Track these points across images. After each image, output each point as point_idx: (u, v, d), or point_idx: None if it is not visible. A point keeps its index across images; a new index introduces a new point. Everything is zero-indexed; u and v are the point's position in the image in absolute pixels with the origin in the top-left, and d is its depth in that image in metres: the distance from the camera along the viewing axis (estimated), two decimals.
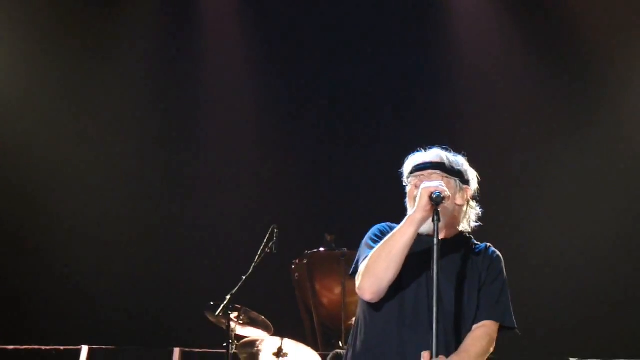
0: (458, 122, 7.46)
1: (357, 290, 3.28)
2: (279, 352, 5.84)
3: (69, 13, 7.77)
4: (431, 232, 3.20)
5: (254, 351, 6.04)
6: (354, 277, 3.33)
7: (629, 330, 7.05)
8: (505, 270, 3.42)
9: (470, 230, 3.47)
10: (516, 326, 3.36)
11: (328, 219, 7.58)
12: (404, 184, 3.47)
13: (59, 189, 7.76)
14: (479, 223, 3.47)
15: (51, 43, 7.71)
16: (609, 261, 7.18)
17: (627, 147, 7.29)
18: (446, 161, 3.40)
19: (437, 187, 3.19)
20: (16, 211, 7.75)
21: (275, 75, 7.98)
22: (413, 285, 3.29)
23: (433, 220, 3.17)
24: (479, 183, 3.49)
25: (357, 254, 3.40)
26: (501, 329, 3.34)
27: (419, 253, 3.28)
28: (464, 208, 3.42)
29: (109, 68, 7.86)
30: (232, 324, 5.91)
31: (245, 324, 6.01)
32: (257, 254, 6.11)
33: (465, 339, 3.27)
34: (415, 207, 3.20)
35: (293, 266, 6.63)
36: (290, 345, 5.95)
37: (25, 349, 7.22)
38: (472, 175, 3.47)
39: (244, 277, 6.02)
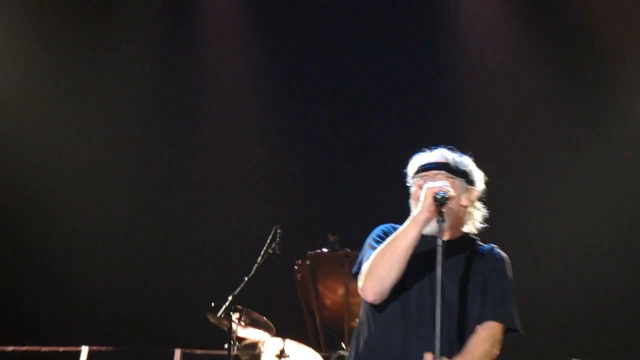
0: (464, 123, 7.46)
1: (359, 291, 3.30)
2: (281, 354, 5.86)
3: (68, 11, 7.79)
4: (435, 233, 3.22)
5: (255, 353, 6.06)
6: (357, 278, 3.34)
7: (635, 332, 7.07)
8: (512, 272, 3.43)
9: (475, 232, 3.48)
10: (520, 328, 3.37)
11: (331, 219, 7.59)
12: (409, 184, 3.48)
13: (58, 189, 7.78)
14: (485, 224, 3.49)
15: (50, 41, 7.73)
16: (617, 263, 7.19)
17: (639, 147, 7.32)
18: (451, 161, 3.42)
19: (442, 188, 3.20)
20: (15, 211, 7.77)
21: (278, 74, 7.99)
22: (416, 287, 3.31)
23: (437, 221, 3.18)
24: (485, 184, 3.50)
25: (360, 255, 3.41)
26: (506, 331, 3.35)
27: (422, 254, 3.29)
28: (469, 209, 3.43)
29: (109, 66, 7.87)
30: (234, 325, 5.92)
31: (247, 325, 6.03)
32: (259, 255, 6.14)
33: (469, 341, 3.29)
34: (419, 207, 3.22)
35: (296, 267, 6.64)
36: (293, 347, 5.97)
37: (25, 349, 7.25)
38: (478, 176, 3.48)
39: (246, 278, 6.03)
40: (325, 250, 6.57)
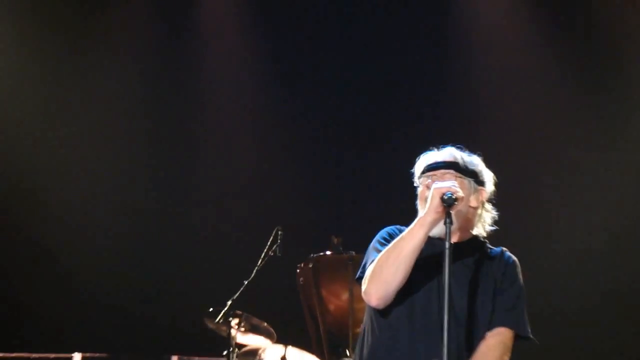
0: (473, 121, 7.46)
1: (362, 295, 3.29)
2: None
3: (63, 6, 7.80)
4: (443, 235, 3.21)
5: None
6: (361, 282, 3.34)
7: None
8: (522, 277, 3.43)
9: (485, 235, 3.48)
10: (531, 335, 3.37)
11: (335, 220, 7.59)
12: (415, 184, 3.48)
13: (49, 193, 7.78)
14: (495, 227, 3.49)
15: (42, 37, 7.75)
16: (632, 267, 7.18)
17: None
18: (460, 161, 3.41)
19: (450, 188, 3.19)
20: (6, 214, 7.78)
21: (281, 74, 7.99)
22: (423, 291, 3.30)
23: (445, 223, 3.17)
24: (496, 185, 3.49)
25: (364, 258, 3.41)
26: (516, 338, 3.35)
27: (429, 257, 3.29)
28: (479, 211, 3.43)
29: (103, 63, 7.88)
30: (233, 331, 5.94)
31: (246, 331, 6.04)
32: (260, 258, 6.14)
33: (478, 348, 3.29)
34: (426, 208, 3.21)
35: (298, 270, 6.63)
36: (295, 354, 5.98)
37: (15, 356, 7.26)
38: (488, 176, 3.47)
39: (246, 282, 6.05)
40: (328, 252, 6.57)
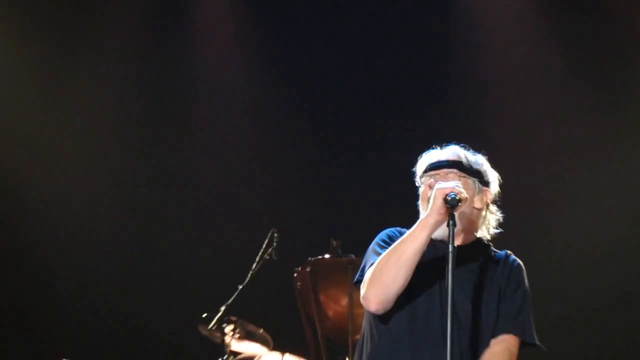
0: (478, 120, 7.47)
1: (361, 300, 3.30)
2: None
3: (54, 5, 7.81)
4: (445, 238, 3.20)
5: None
6: (359, 286, 3.34)
7: None
8: (527, 281, 3.43)
9: (489, 237, 3.48)
10: (537, 342, 3.37)
11: (334, 222, 7.59)
12: (417, 184, 3.48)
13: (35, 194, 7.77)
14: (500, 229, 3.49)
15: (34, 35, 7.75)
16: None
17: None
18: (464, 160, 3.41)
19: (453, 188, 3.18)
20: None
21: (277, 72, 7.99)
22: (424, 296, 3.30)
23: (448, 225, 3.16)
24: (501, 186, 3.49)
25: (363, 261, 3.41)
26: (522, 345, 3.36)
27: (431, 260, 3.30)
28: (483, 212, 3.43)
29: (97, 61, 7.87)
30: (227, 338, 5.95)
31: (241, 338, 6.05)
32: (255, 261, 6.15)
33: (482, 355, 3.29)
34: (429, 209, 3.20)
35: (295, 274, 6.64)
36: None
37: None
38: (493, 176, 3.47)
39: (241, 287, 6.06)
40: (327, 256, 6.58)
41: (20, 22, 7.75)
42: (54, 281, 7.72)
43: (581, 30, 7.45)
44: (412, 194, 3.49)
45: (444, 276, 3.15)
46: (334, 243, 6.53)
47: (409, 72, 7.78)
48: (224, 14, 8.06)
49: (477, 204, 3.39)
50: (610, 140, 7.33)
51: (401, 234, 3.36)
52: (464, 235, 3.39)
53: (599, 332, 7.13)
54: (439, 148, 3.48)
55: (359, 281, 3.36)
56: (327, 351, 6.54)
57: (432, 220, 3.19)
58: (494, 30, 7.68)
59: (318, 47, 7.94)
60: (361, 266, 3.41)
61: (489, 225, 3.46)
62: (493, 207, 3.47)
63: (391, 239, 3.36)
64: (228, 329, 5.96)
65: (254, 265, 6.12)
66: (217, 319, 5.90)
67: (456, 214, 3.19)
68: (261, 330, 6.11)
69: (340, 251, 6.52)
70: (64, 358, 6.57)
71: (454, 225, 3.16)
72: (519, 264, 3.44)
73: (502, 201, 3.49)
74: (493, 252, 3.46)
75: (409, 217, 3.38)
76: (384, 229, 3.50)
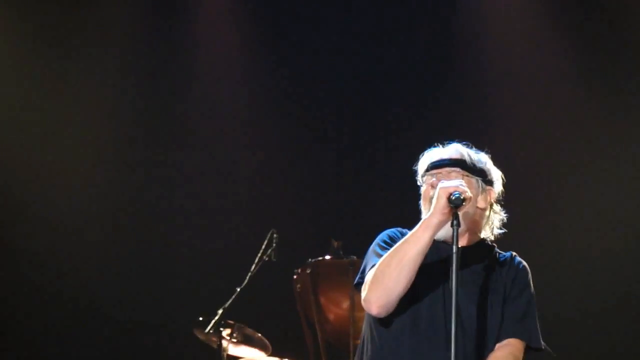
0: (480, 118, 7.48)
1: (362, 303, 3.29)
2: None
3: None
4: (449, 239, 3.23)
5: None
6: (359, 288, 3.34)
7: None
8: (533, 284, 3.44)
9: (493, 238, 3.49)
10: (543, 346, 3.38)
11: (334, 222, 7.61)
12: (419, 183, 3.48)
13: (31, 192, 7.78)
14: (504, 230, 3.50)
15: (28, 30, 7.76)
16: None
17: None
18: (467, 158, 3.41)
19: (457, 187, 3.18)
20: None
21: (278, 72, 8.00)
22: (427, 299, 3.30)
23: (452, 225, 3.17)
24: (504, 185, 3.50)
25: (363, 263, 3.41)
26: (527, 350, 3.36)
27: (434, 262, 3.30)
28: (487, 212, 3.43)
29: (96, 61, 7.89)
30: (224, 343, 5.96)
31: (239, 342, 6.07)
32: (253, 263, 6.16)
33: None
34: (432, 209, 3.20)
35: (295, 276, 6.66)
36: None
37: None
38: (497, 175, 3.48)
39: (239, 289, 6.07)
40: (327, 257, 6.59)
41: (19, 21, 7.76)
42: (48, 282, 7.72)
43: (587, 29, 7.47)
44: (414, 193, 3.50)
45: (447, 278, 3.16)
46: (335, 244, 6.55)
47: (411, 72, 7.80)
48: (225, 13, 8.07)
49: (481, 204, 3.40)
50: (615, 140, 7.34)
51: (402, 234, 3.36)
52: (467, 236, 3.40)
53: (599, 333, 7.15)
54: (441, 146, 3.49)
55: (360, 283, 3.36)
56: (327, 355, 6.56)
57: (435, 220, 3.19)
58: (499, 28, 7.70)
59: (319, 46, 7.96)
60: (361, 268, 3.41)
61: (492, 226, 3.47)
62: (497, 207, 3.48)
63: (392, 240, 3.36)
64: (225, 332, 5.97)
65: (253, 267, 6.14)
66: (214, 323, 5.91)
67: (460, 213, 3.19)
68: (259, 335, 6.12)
69: (341, 252, 6.54)
70: None
71: (458, 225, 3.16)
72: (524, 265, 3.44)
73: (505, 201, 3.51)
74: (498, 254, 3.46)
75: (412, 217, 3.39)
76: (386, 229, 3.50)
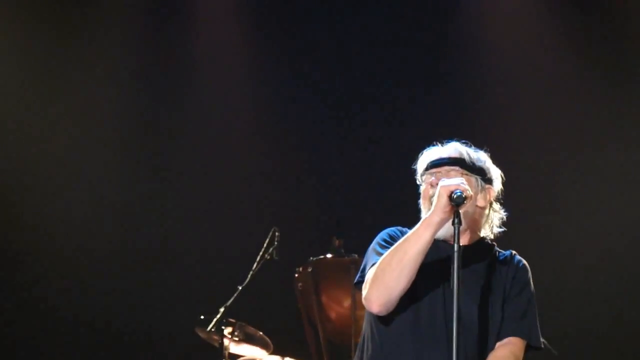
0: (479, 116, 7.49)
1: (363, 301, 3.31)
2: None
3: None
4: (449, 238, 3.24)
5: None
6: (359, 287, 3.36)
7: None
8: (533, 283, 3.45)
9: (492, 236, 3.50)
10: (543, 345, 3.40)
11: (336, 221, 7.61)
12: (418, 182, 3.50)
13: (29, 194, 7.79)
14: (503, 228, 3.51)
15: (24, 24, 7.76)
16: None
17: None
18: (466, 157, 3.42)
19: (459, 186, 3.19)
20: None
21: (279, 68, 8.01)
22: (428, 298, 3.32)
23: (453, 223, 3.17)
24: (503, 184, 3.52)
25: (363, 261, 3.43)
26: (527, 348, 3.38)
27: (434, 261, 3.31)
28: (486, 211, 3.45)
29: (88, 53, 7.90)
30: (226, 341, 5.97)
31: (240, 341, 6.08)
32: (255, 261, 6.17)
33: (487, 359, 3.32)
34: (433, 207, 3.21)
35: (296, 275, 6.67)
36: None
37: None
38: (496, 173, 3.50)
39: (240, 288, 6.08)
40: (329, 255, 6.60)
41: (20, 20, 7.77)
42: (49, 283, 7.73)
43: (589, 28, 7.47)
44: (414, 192, 3.52)
45: (447, 277, 3.17)
46: (336, 242, 6.56)
47: (410, 71, 7.81)
48: (225, 11, 8.08)
49: (480, 202, 3.41)
50: (616, 139, 7.35)
51: (402, 233, 3.37)
52: (467, 235, 3.41)
53: (599, 332, 7.16)
54: (440, 145, 3.50)
55: (360, 282, 3.38)
56: (329, 353, 6.57)
57: (436, 218, 3.20)
58: (499, 27, 7.70)
59: (319, 46, 7.97)
60: (361, 267, 3.43)
61: (492, 224, 3.49)
62: (496, 205, 3.50)
63: (392, 239, 3.37)
64: (227, 331, 5.98)
65: (254, 266, 6.15)
66: (216, 321, 5.93)
67: (461, 212, 3.19)
68: (261, 333, 6.13)
69: (342, 251, 6.55)
70: None
71: (460, 223, 3.16)
72: (524, 264, 3.45)
73: (504, 199, 3.52)
74: (498, 252, 3.48)
75: (414, 215, 3.41)
76: (386, 227, 3.52)
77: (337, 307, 6.64)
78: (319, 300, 6.60)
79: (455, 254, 3.12)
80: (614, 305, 7.15)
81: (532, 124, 7.53)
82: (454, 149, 3.45)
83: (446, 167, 3.40)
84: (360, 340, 3.53)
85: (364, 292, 3.31)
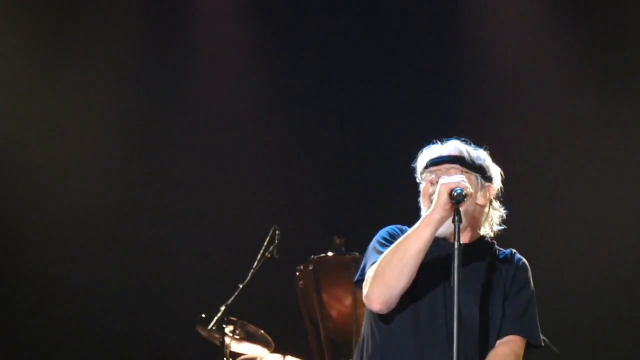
0: (479, 114, 7.49)
1: (364, 300, 3.31)
2: None
3: None
4: (449, 236, 3.25)
5: None
6: (360, 285, 3.36)
7: None
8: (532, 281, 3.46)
9: (492, 235, 3.51)
10: (543, 343, 3.40)
11: (337, 219, 7.62)
12: (417, 180, 3.50)
13: (29, 193, 7.79)
14: (503, 226, 3.52)
15: (25, 22, 7.77)
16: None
17: None
18: (466, 155, 3.43)
19: (459, 183, 3.19)
20: None
21: (279, 65, 8.01)
22: (428, 296, 3.32)
23: (453, 221, 3.18)
24: (503, 182, 3.52)
25: (363, 260, 3.43)
26: (527, 347, 3.39)
27: (434, 259, 3.32)
28: (486, 209, 3.45)
29: (88, 52, 7.90)
30: (227, 340, 5.98)
31: (241, 339, 6.09)
32: (256, 260, 6.18)
33: (487, 357, 3.33)
34: (433, 205, 3.21)
35: (297, 273, 6.68)
36: None
37: None
38: (495, 171, 3.50)
39: (241, 286, 6.09)
40: (330, 254, 6.61)
41: (20, 19, 7.77)
42: (49, 280, 7.73)
43: (591, 28, 7.47)
44: (414, 190, 3.52)
45: (447, 275, 3.18)
46: (337, 240, 6.56)
47: (410, 70, 7.81)
48: (226, 11, 8.08)
49: (480, 201, 3.41)
50: (616, 137, 7.35)
51: (402, 231, 3.37)
52: (467, 233, 3.41)
53: (599, 331, 7.16)
54: (439, 143, 3.50)
55: (360, 280, 3.38)
56: (330, 352, 6.57)
57: (437, 216, 3.20)
58: (499, 26, 7.70)
59: (319, 45, 7.98)
60: (361, 265, 3.42)
61: (492, 222, 3.49)
62: (496, 204, 3.50)
63: (392, 237, 3.37)
64: (228, 329, 5.99)
65: (255, 264, 6.15)
66: (217, 320, 5.93)
67: (461, 209, 3.19)
68: (262, 331, 6.14)
69: (343, 249, 6.55)
70: None
71: (460, 221, 3.17)
72: (524, 262, 3.46)
73: (504, 197, 3.53)
74: (497, 251, 3.48)
75: (411, 214, 3.41)
76: (387, 226, 3.51)
77: (338, 305, 6.64)
78: (320, 299, 6.60)
79: (456, 252, 3.12)
80: (614, 304, 7.16)
81: (532, 122, 7.53)
82: (453, 147, 3.46)
83: (446, 165, 3.40)
84: (360, 338, 3.54)
85: (365, 290, 3.31)
